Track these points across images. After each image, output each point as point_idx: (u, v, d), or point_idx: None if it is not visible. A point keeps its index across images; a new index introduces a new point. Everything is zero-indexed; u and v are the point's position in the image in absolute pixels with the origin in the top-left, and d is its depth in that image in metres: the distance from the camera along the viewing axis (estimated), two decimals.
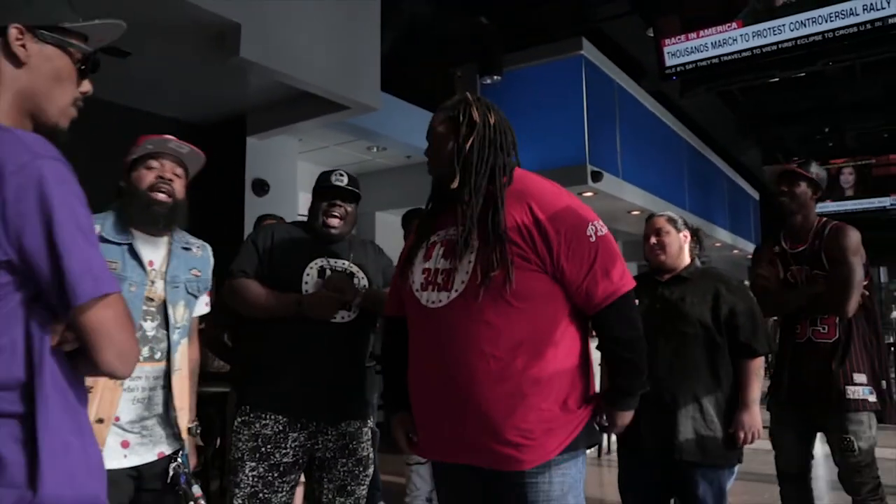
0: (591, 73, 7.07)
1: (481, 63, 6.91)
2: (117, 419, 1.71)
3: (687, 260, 2.39)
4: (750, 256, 9.52)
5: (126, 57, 3.76)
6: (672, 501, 2.36)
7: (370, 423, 2.25)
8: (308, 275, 2.10)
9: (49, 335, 0.98)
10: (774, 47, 5.88)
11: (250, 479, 1.99)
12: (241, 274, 2.12)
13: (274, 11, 3.89)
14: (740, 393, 2.23)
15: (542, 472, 1.48)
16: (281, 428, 2.02)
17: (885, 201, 12.71)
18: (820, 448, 2.76)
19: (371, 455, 2.20)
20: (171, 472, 1.77)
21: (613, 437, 2.60)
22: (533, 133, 6.56)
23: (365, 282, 2.17)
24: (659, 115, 9.17)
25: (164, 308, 1.82)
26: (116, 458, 1.69)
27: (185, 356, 1.88)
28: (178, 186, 1.86)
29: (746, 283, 2.95)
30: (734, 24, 6.12)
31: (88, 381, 1.51)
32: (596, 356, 1.66)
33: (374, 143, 6.40)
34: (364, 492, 2.16)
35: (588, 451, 1.64)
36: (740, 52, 6.09)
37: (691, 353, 2.21)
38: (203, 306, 2.01)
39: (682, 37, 6.47)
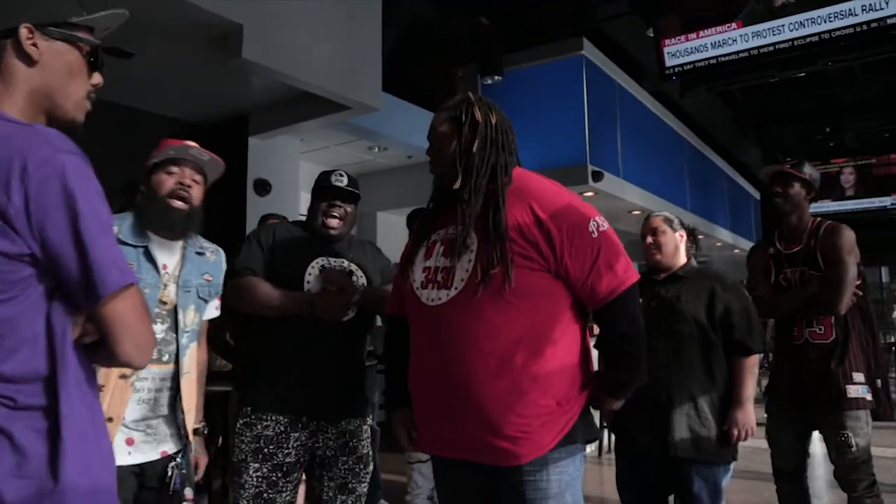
0: (592, 73, 7.07)
1: (482, 63, 6.92)
2: (123, 418, 1.72)
3: (683, 259, 2.41)
4: None
5: (130, 58, 3.78)
6: (671, 499, 2.38)
7: (370, 420, 2.26)
8: (310, 274, 2.11)
9: (70, 328, 0.99)
10: (774, 48, 5.91)
11: (254, 480, 1.99)
12: (249, 272, 2.09)
13: (275, 12, 3.91)
14: (734, 390, 2.24)
15: (540, 470, 1.49)
16: (283, 428, 2.02)
17: (885, 201, 12.74)
18: (819, 447, 2.77)
19: (371, 452, 2.21)
20: (168, 472, 1.78)
21: (614, 437, 2.61)
22: (534, 133, 6.56)
23: (364, 280, 2.17)
24: (659, 115, 9.16)
25: (174, 312, 1.83)
26: (121, 455, 1.69)
27: (193, 359, 1.89)
28: (196, 193, 1.87)
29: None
30: (734, 25, 6.14)
31: (99, 379, 1.53)
32: (594, 354, 1.67)
33: (376, 143, 6.41)
34: (364, 489, 2.17)
35: (588, 450, 1.65)
36: (740, 52, 6.13)
37: (686, 351, 2.22)
38: (213, 310, 2.01)
39: (682, 37, 6.50)
